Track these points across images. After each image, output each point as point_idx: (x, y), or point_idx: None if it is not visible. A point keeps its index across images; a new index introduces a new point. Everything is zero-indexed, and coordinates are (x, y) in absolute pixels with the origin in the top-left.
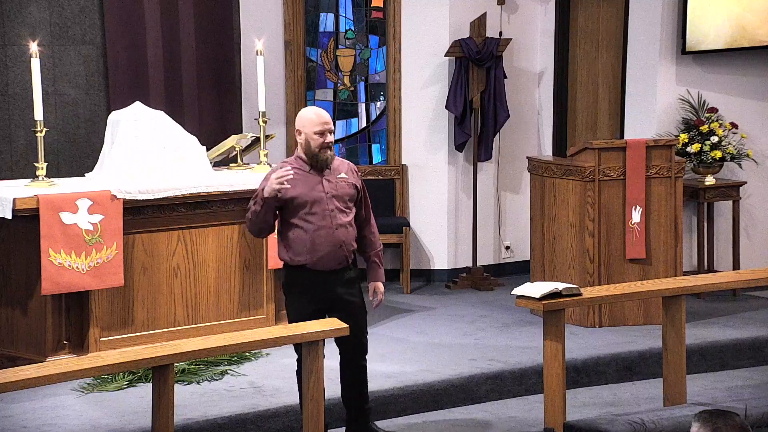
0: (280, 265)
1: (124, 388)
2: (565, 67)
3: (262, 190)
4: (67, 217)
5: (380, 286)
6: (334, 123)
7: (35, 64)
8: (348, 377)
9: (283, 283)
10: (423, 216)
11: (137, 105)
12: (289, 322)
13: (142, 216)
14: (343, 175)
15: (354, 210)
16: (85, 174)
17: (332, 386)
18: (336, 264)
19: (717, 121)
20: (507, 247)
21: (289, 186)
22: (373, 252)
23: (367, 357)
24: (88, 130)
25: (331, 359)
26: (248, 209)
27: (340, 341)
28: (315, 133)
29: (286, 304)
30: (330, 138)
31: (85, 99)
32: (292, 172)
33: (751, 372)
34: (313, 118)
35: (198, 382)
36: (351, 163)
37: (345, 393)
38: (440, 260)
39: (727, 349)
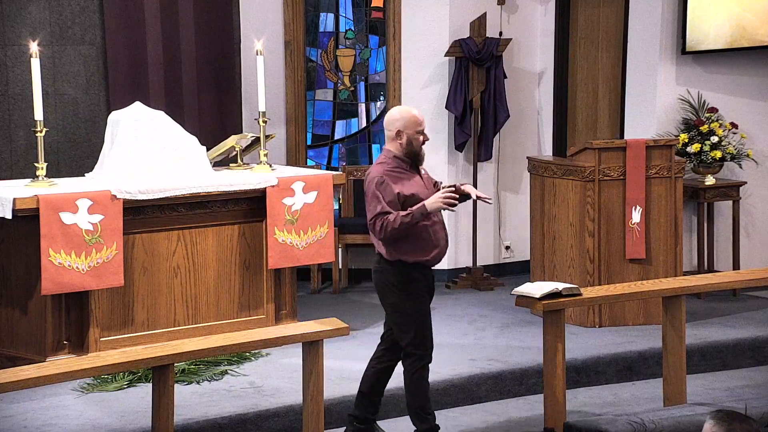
0: (280, 265)
1: (124, 388)
2: (565, 67)
3: (419, 210)
4: (67, 217)
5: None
6: (334, 123)
7: (35, 64)
8: (388, 373)
9: (393, 282)
10: None
11: (137, 105)
12: (404, 321)
13: (142, 216)
14: (424, 171)
15: None
16: (85, 174)
17: (332, 386)
18: (442, 258)
19: (717, 121)
20: (507, 247)
21: (454, 210)
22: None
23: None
24: (88, 130)
25: (331, 359)
26: (386, 222)
27: (431, 340)
28: (417, 133)
29: (396, 302)
30: (427, 136)
31: (85, 99)
32: (456, 197)
33: (751, 372)
34: (414, 118)
35: (198, 382)
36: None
37: (375, 387)
38: None
39: (727, 349)
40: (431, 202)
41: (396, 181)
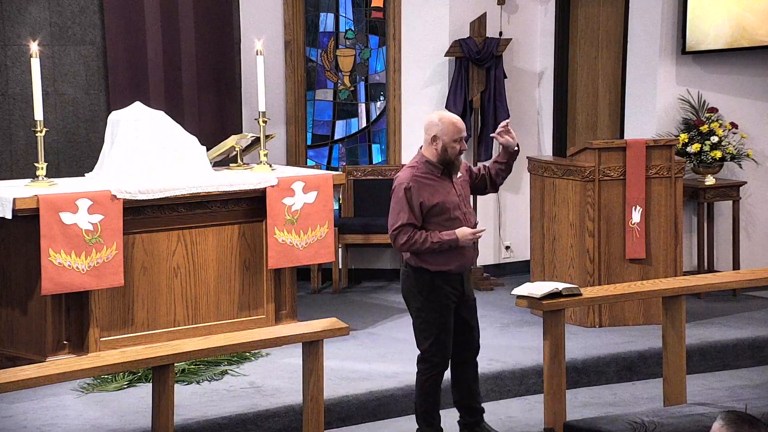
0: (280, 265)
1: (124, 388)
2: (565, 67)
3: (448, 238)
4: (67, 217)
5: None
6: (334, 123)
7: (35, 64)
8: (465, 378)
9: (417, 288)
10: None
11: (137, 105)
12: (424, 328)
13: (142, 216)
14: (460, 175)
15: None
16: (85, 174)
17: (332, 386)
18: (470, 265)
19: (717, 121)
20: (507, 247)
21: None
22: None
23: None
24: (88, 130)
25: (331, 359)
26: (414, 240)
27: (459, 342)
28: (454, 142)
29: (419, 308)
30: (465, 146)
31: (85, 99)
32: (482, 234)
33: (751, 372)
34: (453, 126)
35: (198, 382)
36: (464, 161)
37: (461, 395)
38: None
39: (727, 349)
40: (463, 235)
41: (423, 188)
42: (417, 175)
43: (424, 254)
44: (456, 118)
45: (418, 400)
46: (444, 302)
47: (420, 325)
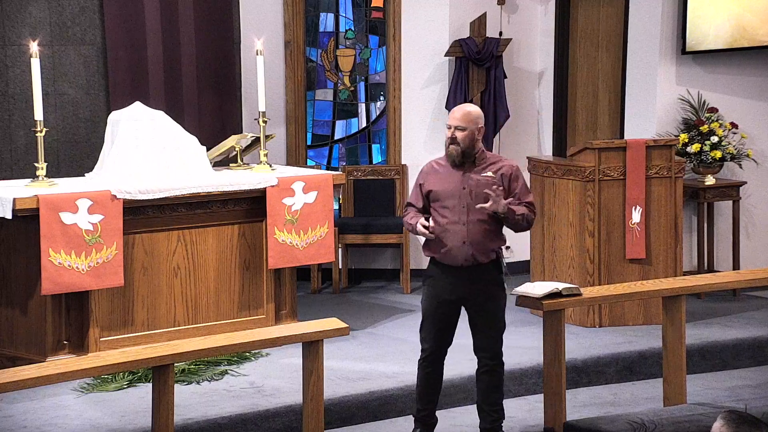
0: (280, 265)
1: (124, 388)
2: (565, 67)
3: (415, 224)
4: (67, 217)
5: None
6: (334, 123)
7: (35, 64)
8: (479, 381)
9: (425, 274)
10: None
11: (137, 105)
12: (422, 314)
13: (142, 216)
14: (489, 173)
15: None
16: (85, 174)
17: (332, 386)
18: (462, 260)
19: (717, 121)
20: (507, 247)
21: (433, 236)
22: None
23: (503, 362)
24: (88, 130)
25: (331, 359)
26: (404, 218)
27: (474, 343)
28: (447, 127)
29: (422, 293)
30: (455, 134)
31: (85, 99)
32: (430, 227)
33: (751, 372)
34: (451, 112)
35: (198, 382)
36: (513, 166)
37: (478, 397)
38: None
39: (727, 349)
40: (420, 224)
41: (431, 174)
42: (434, 162)
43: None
44: (461, 105)
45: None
46: (436, 291)
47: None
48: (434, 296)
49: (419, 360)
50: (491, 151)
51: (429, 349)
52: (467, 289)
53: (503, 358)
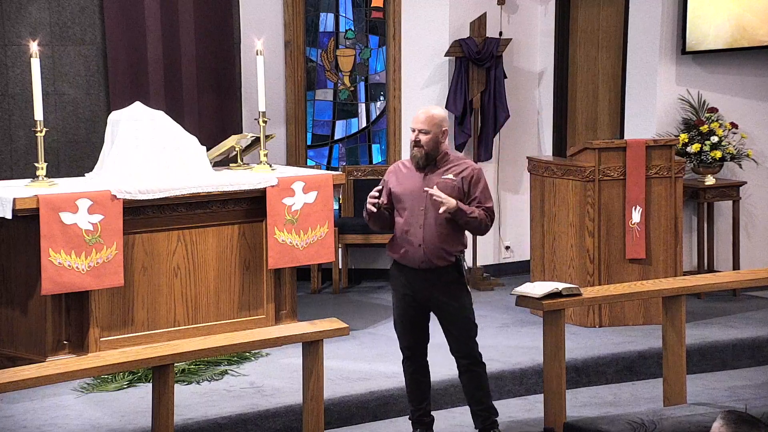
0: (280, 265)
1: (124, 388)
2: (565, 67)
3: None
4: (67, 217)
5: (449, 200)
6: (334, 123)
7: (35, 64)
8: (463, 384)
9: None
10: None
11: (137, 105)
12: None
13: (142, 216)
14: (450, 176)
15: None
16: (85, 174)
17: (332, 386)
18: (418, 263)
19: (717, 121)
20: (507, 247)
21: (374, 210)
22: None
23: (482, 362)
24: (88, 130)
25: (331, 359)
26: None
27: (449, 347)
28: (411, 130)
29: None
30: (418, 137)
31: (85, 99)
32: (377, 195)
33: (751, 372)
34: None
35: (198, 382)
36: (475, 169)
37: (466, 399)
38: None
39: (727, 349)
40: (369, 199)
41: (395, 174)
42: (402, 162)
43: (380, 225)
44: (425, 108)
45: None
46: (400, 291)
47: None
48: (400, 298)
49: (402, 362)
50: (491, 151)
51: (406, 348)
52: (427, 291)
53: (481, 358)
